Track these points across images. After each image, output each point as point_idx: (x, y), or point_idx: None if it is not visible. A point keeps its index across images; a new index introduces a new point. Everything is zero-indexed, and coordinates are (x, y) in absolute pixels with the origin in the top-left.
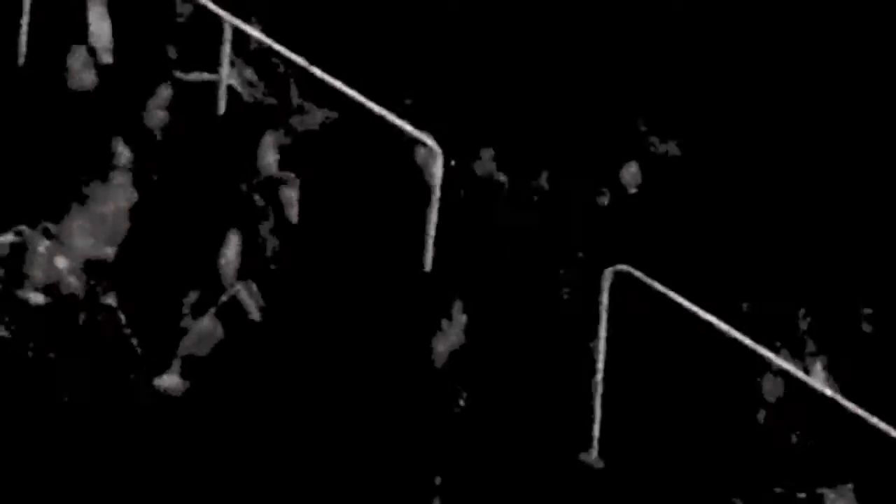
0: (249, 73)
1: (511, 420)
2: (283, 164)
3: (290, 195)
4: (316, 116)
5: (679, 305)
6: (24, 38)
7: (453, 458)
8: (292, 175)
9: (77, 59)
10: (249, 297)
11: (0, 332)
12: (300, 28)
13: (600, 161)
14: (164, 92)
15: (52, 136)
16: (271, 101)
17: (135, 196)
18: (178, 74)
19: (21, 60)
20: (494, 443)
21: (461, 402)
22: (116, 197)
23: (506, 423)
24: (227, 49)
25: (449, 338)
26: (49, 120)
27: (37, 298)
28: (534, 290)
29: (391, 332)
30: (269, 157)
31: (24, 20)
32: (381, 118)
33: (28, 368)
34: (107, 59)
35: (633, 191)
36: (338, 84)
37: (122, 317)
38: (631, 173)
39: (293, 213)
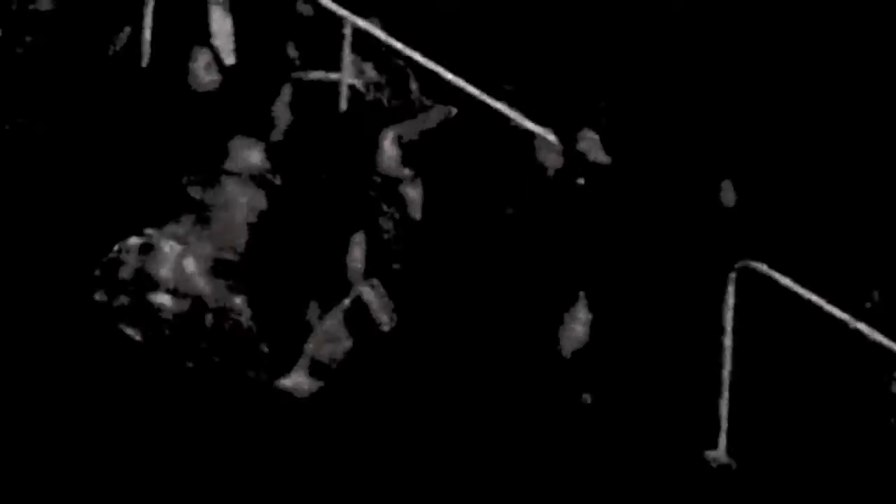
0: (370, 71)
1: (637, 417)
2: (404, 162)
3: (413, 193)
4: (436, 113)
5: (807, 301)
6: (147, 39)
7: (579, 455)
8: (412, 173)
9: (200, 60)
10: (375, 297)
11: (131, 335)
12: (420, 24)
13: (722, 155)
14: (286, 92)
15: (177, 138)
16: (391, 98)
17: (260, 197)
18: (299, 74)
19: (144, 62)
20: (620, 440)
21: (586, 399)
22: (242, 198)
23: (631, 420)
24: (347, 48)
25: (574, 334)
26: (173, 121)
27: (165, 301)
28: (659, 286)
29: (516, 328)
30: (389, 155)
31: (147, 22)
32: (500, 113)
33: (159, 371)
34: (229, 59)
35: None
36: (456, 79)
37: (251, 318)
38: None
39: (416, 211)
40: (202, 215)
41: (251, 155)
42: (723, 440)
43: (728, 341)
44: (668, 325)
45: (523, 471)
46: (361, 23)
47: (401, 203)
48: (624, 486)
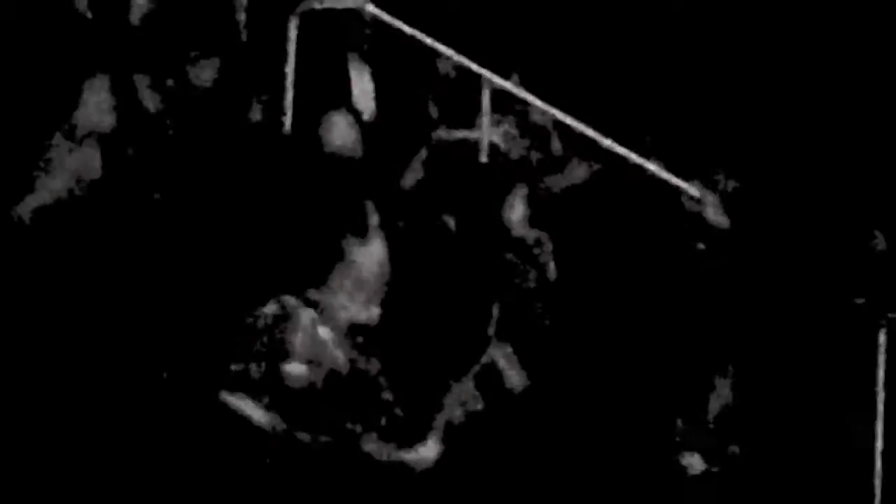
0: (511, 128)
1: (784, 474)
2: (539, 221)
3: (546, 254)
4: (580, 168)
5: None
6: (289, 105)
7: None
8: (544, 234)
9: (340, 122)
10: (506, 362)
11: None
12: (559, 79)
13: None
14: (424, 151)
15: (313, 201)
16: (531, 154)
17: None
18: (439, 134)
19: (287, 127)
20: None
21: (733, 452)
22: (376, 259)
23: (778, 477)
24: (486, 106)
25: (720, 396)
26: (310, 184)
27: (299, 371)
28: (806, 339)
29: (660, 391)
30: (517, 214)
31: (289, 84)
32: (643, 169)
33: (288, 444)
34: (368, 118)
35: None
36: (596, 134)
37: (385, 385)
38: None
39: (551, 272)
40: (339, 278)
41: (380, 216)
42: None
43: (881, 398)
44: (817, 380)
45: None
46: (500, 81)
47: (536, 264)
48: None
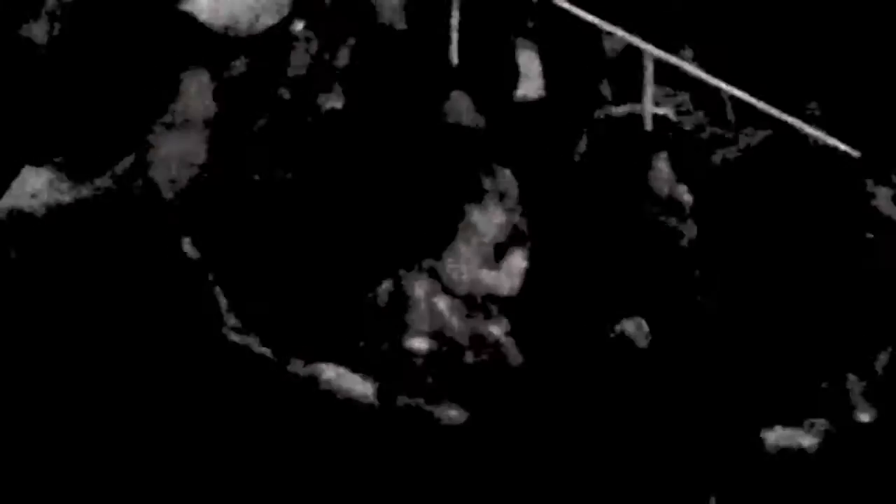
0: (684, 100)
1: None
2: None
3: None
4: (753, 138)
5: None
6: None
7: None
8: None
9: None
10: (637, 330)
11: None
12: (733, 50)
13: None
14: (590, 127)
15: (432, 169)
16: (709, 127)
17: (515, 221)
18: (606, 110)
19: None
20: None
21: None
22: (496, 223)
23: None
24: (649, 78)
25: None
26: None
27: (421, 345)
28: None
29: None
30: (664, 181)
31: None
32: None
33: (415, 422)
34: (537, 96)
35: None
36: (766, 106)
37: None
38: None
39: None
40: (458, 244)
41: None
42: None
43: None
44: None
45: None
46: (664, 55)
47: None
48: None
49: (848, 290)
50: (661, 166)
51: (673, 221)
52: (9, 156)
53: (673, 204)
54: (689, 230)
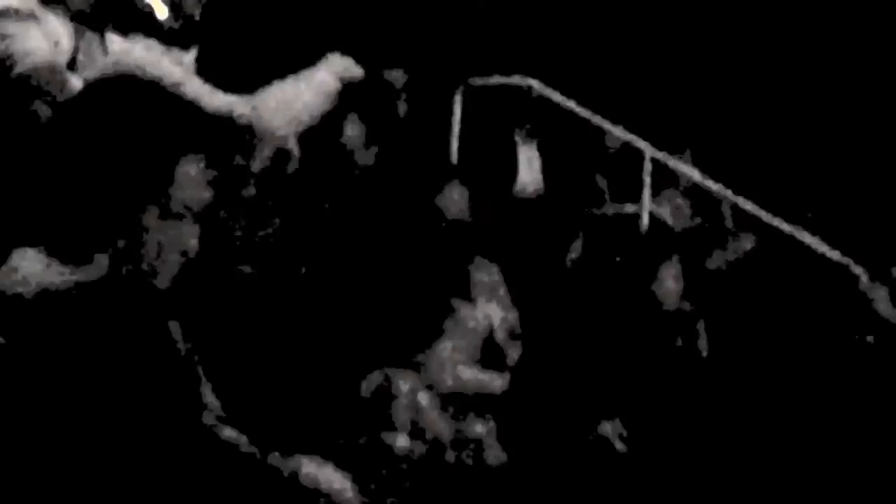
0: (680, 203)
1: None
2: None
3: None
4: (746, 242)
5: None
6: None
7: None
8: (693, 308)
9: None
10: (614, 433)
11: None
12: (728, 157)
13: None
14: (585, 225)
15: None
16: (697, 228)
17: (507, 318)
18: (604, 208)
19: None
20: None
21: None
22: (485, 320)
23: None
24: (647, 179)
25: None
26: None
27: (401, 442)
28: None
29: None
30: (669, 289)
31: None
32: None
33: None
34: (536, 193)
35: None
36: (758, 210)
37: (500, 451)
38: None
39: (702, 347)
40: (444, 340)
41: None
42: None
43: None
44: None
45: None
46: (661, 156)
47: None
48: None
49: (850, 398)
50: (667, 278)
51: (681, 338)
52: None
53: (681, 318)
54: (702, 345)
